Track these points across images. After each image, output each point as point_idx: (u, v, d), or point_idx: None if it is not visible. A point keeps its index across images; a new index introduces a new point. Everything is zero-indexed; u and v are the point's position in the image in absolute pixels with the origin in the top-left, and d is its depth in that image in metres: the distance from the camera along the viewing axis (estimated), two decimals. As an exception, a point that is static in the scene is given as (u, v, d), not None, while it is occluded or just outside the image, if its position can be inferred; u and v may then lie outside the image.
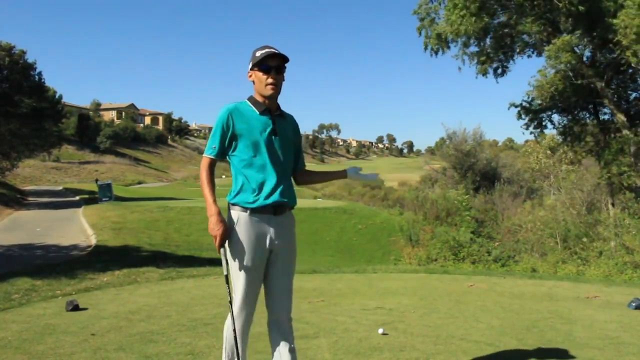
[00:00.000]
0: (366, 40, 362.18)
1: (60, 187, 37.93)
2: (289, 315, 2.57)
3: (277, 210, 2.51)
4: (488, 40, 19.12)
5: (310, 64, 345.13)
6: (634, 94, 18.44)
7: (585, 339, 3.91)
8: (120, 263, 8.96)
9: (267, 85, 2.49)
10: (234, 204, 2.50)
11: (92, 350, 3.61)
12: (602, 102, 17.85)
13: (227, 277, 2.50)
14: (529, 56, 19.75)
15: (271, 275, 2.56)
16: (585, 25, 16.17)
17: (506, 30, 18.67)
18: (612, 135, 18.13)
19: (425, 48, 19.41)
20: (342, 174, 2.80)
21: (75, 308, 4.92)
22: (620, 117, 17.12)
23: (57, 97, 30.19)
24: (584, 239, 15.24)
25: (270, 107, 2.54)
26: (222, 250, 2.47)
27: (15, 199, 25.86)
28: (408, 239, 19.11)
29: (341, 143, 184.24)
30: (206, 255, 12.50)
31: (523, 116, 19.32)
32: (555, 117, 19.74)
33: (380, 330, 4.01)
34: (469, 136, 31.02)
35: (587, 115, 19.83)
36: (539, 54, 18.74)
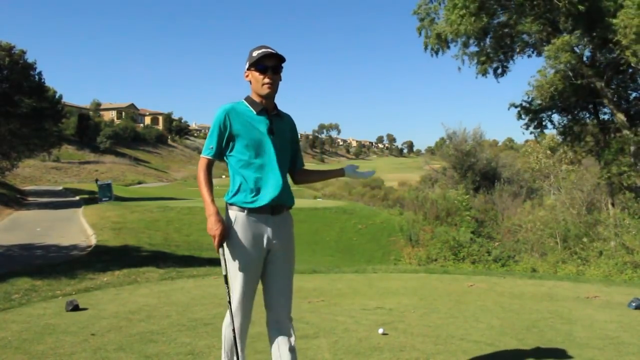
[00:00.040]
0: (366, 40, 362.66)
1: (60, 187, 37.93)
2: (289, 315, 2.57)
3: (274, 210, 2.51)
4: (488, 40, 19.13)
5: (311, 63, 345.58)
6: (634, 94, 18.48)
7: (585, 339, 3.91)
8: (120, 263, 8.96)
9: (263, 85, 2.49)
10: (231, 204, 2.51)
11: (92, 350, 3.61)
12: (602, 102, 17.86)
13: (226, 277, 2.51)
14: (529, 56, 19.81)
15: (270, 275, 2.56)
16: (585, 25, 16.17)
17: (506, 30, 18.67)
18: (612, 135, 18.14)
19: (426, 48, 19.43)
20: (339, 172, 2.82)
21: (75, 308, 4.92)
22: (620, 117, 17.13)
23: (57, 97, 30.19)
24: (584, 239, 15.24)
25: (267, 107, 2.55)
26: (220, 249, 2.48)
27: (15, 199, 25.86)
28: (408, 239, 19.12)
29: (341, 143, 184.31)
30: (206, 255, 12.50)
31: (523, 116, 19.35)
32: (555, 117, 19.79)
33: (380, 330, 4.01)
34: (469, 136, 31.04)
35: (587, 115, 19.85)
36: (539, 54, 18.77)
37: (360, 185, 50.57)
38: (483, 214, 22.44)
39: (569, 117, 19.68)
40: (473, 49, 19.28)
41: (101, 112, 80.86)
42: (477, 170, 29.50)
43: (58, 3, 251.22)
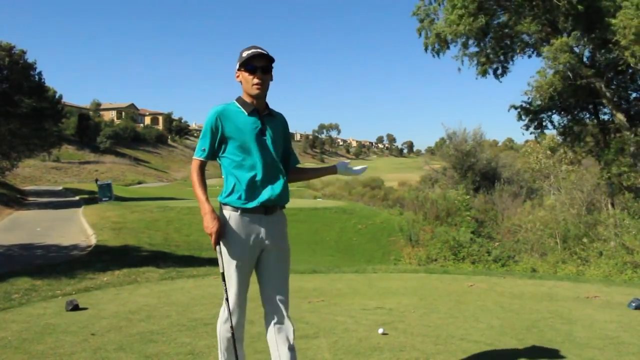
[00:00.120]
0: (366, 40, 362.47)
1: (60, 187, 37.94)
2: (287, 313, 2.58)
3: (267, 210, 2.54)
4: (488, 41, 19.13)
5: (311, 64, 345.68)
6: (633, 94, 18.48)
7: (585, 339, 3.91)
8: (120, 263, 8.96)
9: (253, 85, 2.50)
10: (225, 204, 2.54)
11: (92, 350, 3.61)
12: (602, 102, 17.87)
13: (223, 275, 2.52)
14: (529, 56, 19.80)
15: (265, 274, 2.58)
16: (584, 25, 16.19)
17: (506, 30, 18.68)
18: (612, 136, 18.14)
19: (426, 49, 19.42)
20: (332, 170, 2.85)
21: (75, 308, 4.92)
22: (620, 118, 17.14)
23: (57, 97, 30.18)
24: (584, 239, 15.23)
25: (258, 108, 2.56)
26: (218, 247, 2.51)
27: (15, 199, 25.86)
28: (408, 239, 19.10)
29: (341, 143, 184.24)
30: (206, 255, 12.51)
31: (523, 117, 19.35)
32: (555, 118, 19.79)
33: (380, 330, 4.01)
34: (469, 136, 30.99)
35: (587, 116, 19.86)
36: (539, 54, 18.77)
37: (360, 185, 50.59)
38: (483, 214, 22.42)
39: (569, 117, 19.69)
40: (473, 49, 19.30)
41: (101, 112, 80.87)
42: (477, 170, 29.49)
43: (58, 3, 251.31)
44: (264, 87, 2.52)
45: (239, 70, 2.55)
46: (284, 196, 2.60)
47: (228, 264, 2.51)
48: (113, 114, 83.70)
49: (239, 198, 2.50)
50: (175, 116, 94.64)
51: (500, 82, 20.05)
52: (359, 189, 49.14)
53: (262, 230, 2.53)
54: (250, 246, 2.51)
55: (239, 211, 2.50)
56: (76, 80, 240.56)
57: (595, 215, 17.44)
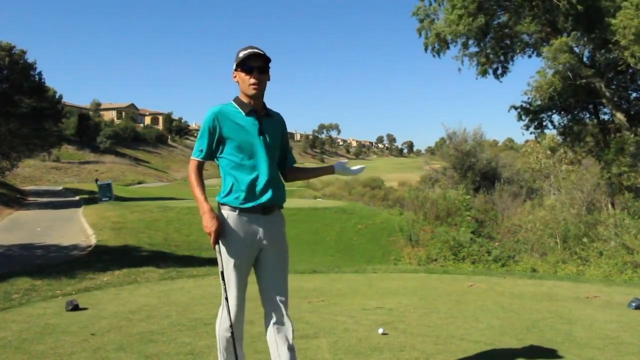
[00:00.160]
0: (366, 40, 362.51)
1: (60, 187, 37.94)
2: (286, 313, 2.58)
3: (265, 210, 2.54)
4: (487, 41, 19.13)
5: (311, 63, 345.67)
6: (633, 94, 18.48)
7: (585, 339, 3.91)
8: (120, 263, 8.97)
9: (250, 85, 2.50)
10: (223, 204, 2.54)
11: (92, 350, 3.61)
12: (602, 102, 17.87)
13: (222, 274, 2.52)
14: (529, 56, 19.80)
15: (264, 274, 2.58)
16: (584, 25, 16.19)
17: (506, 30, 18.68)
18: (612, 136, 18.14)
19: (426, 49, 19.42)
20: (329, 170, 2.86)
21: (75, 308, 4.92)
22: (620, 117, 17.14)
23: (57, 97, 30.17)
24: (584, 239, 15.22)
25: (256, 108, 2.56)
26: (217, 246, 2.51)
27: (15, 199, 25.86)
28: (408, 239, 19.08)
29: (341, 143, 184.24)
30: (206, 255, 12.51)
31: (523, 117, 19.35)
32: (555, 118, 19.79)
33: (380, 330, 4.01)
34: (469, 136, 30.94)
35: (587, 116, 19.86)
36: (539, 54, 18.78)
37: (360, 185, 50.58)
38: (483, 214, 22.40)
39: (569, 117, 19.69)
40: (473, 49, 19.30)
41: (101, 112, 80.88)
42: (477, 170, 29.46)
43: (58, 3, 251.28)
44: (261, 87, 2.52)
45: (235, 70, 2.55)
46: (281, 196, 2.62)
47: (227, 263, 2.51)
48: (113, 114, 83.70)
49: (237, 198, 2.50)
50: (175, 116, 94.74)
51: (501, 82, 20.07)
52: (359, 189, 49.12)
53: (260, 230, 2.53)
54: (249, 245, 2.52)
55: (237, 211, 2.51)
56: (76, 80, 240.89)
57: (595, 215, 17.41)
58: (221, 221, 2.50)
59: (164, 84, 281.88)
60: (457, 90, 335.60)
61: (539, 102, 18.61)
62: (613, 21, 14.55)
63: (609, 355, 3.51)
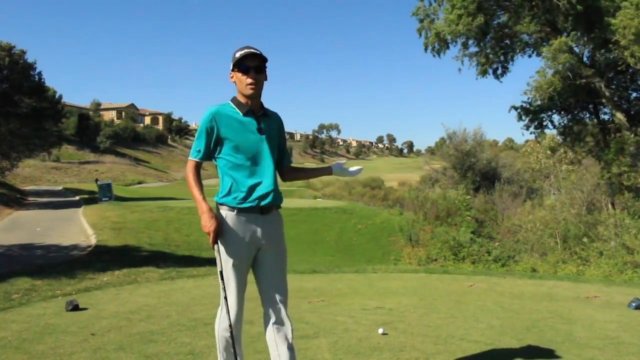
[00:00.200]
0: (366, 40, 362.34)
1: (60, 187, 37.93)
2: (286, 313, 2.58)
3: (263, 210, 2.55)
4: (487, 41, 19.13)
5: (311, 63, 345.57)
6: (633, 94, 18.48)
7: (585, 339, 3.91)
8: (120, 263, 8.97)
9: (247, 85, 2.50)
10: (221, 204, 2.55)
11: (92, 350, 3.61)
12: (602, 102, 17.87)
13: (221, 274, 2.52)
14: (529, 56, 19.80)
15: (264, 274, 2.59)
16: (584, 25, 16.19)
17: (505, 30, 18.68)
18: (612, 136, 18.14)
19: (426, 49, 19.42)
20: (327, 171, 2.88)
21: (75, 308, 4.92)
22: (620, 117, 17.13)
23: (57, 97, 30.17)
24: (584, 239, 15.22)
25: (253, 108, 2.57)
26: (216, 246, 2.52)
27: (15, 199, 25.85)
28: (408, 239, 19.08)
29: (341, 143, 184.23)
30: (206, 255, 12.51)
31: (523, 117, 19.35)
32: (555, 118, 19.79)
33: (380, 330, 4.01)
34: (469, 136, 30.95)
35: (587, 115, 19.86)
36: (539, 54, 18.78)
37: (360, 185, 50.58)
38: (483, 214, 22.40)
39: (569, 117, 19.69)
40: (473, 49, 19.30)
41: (101, 112, 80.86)
42: (477, 170, 29.47)
43: (58, 3, 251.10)
44: (257, 87, 2.53)
45: (232, 70, 2.55)
46: (279, 196, 2.62)
47: (225, 263, 2.52)
48: (113, 114, 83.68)
49: (236, 198, 2.51)
50: (175, 116, 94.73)
51: (501, 82, 20.07)
52: (359, 189, 49.13)
53: (259, 230, 2.54)
54: (247, 245, 2.52)
55: (236, 211, 2.51)
56: (76, 80, 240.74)
57: (595, 215, 17.41)
58: (220, 221, 2.50)
59: (164, 84, 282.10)
60: (457, 90, 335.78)
61: (538, 102, 18.60)
62: (613, 21, 14.55)
63: (609, 355, 3.51)
